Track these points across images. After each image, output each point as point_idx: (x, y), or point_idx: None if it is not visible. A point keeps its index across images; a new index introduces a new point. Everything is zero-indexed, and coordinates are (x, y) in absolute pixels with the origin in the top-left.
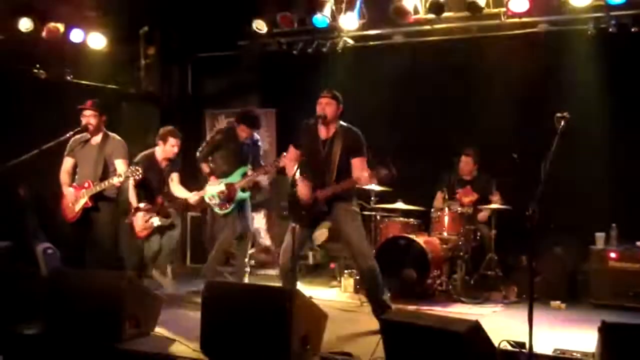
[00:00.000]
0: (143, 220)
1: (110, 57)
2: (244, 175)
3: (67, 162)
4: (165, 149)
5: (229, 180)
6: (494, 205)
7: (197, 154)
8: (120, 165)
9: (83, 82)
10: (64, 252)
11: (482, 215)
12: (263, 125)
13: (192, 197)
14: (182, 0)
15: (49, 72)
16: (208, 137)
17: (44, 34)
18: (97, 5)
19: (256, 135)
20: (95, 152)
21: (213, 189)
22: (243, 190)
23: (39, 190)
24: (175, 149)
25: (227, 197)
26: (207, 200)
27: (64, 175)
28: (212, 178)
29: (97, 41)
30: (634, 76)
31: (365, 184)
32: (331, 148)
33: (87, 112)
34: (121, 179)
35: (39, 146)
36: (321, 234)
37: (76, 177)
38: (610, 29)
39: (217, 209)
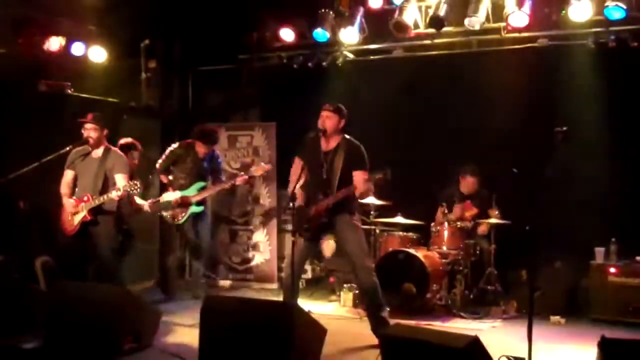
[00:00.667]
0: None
1: (111, 70)
2: (201, 189)
3: (68, 175)
4: None
5: (186, 193)
6: (493, 220)
7: (157, 165)
8: (120, 179)
9: (84, 95)
10: (64, 265)
11: (482, 229)
12: (264, 139)
13: (146, 205)
14: (184, 14)
15: (49, 85)
16: (168, 150)
17: (45, 47)
18: (98, 18)
19: (216, 152)
20: (96, 165)
21: (169, 196)
22: (198, 204)
23: (39, 203)
24: (136, 161)
25: (181, 208)
26: (162, 212)
27: (64, 188)
28: (170, 189)
29: (98, 54)
30: (634, 91)
31: (364, 193)
32: (333, 160)
33: (88, 126)
34: (119, 193)
35: (39, 159)
36: (329, 246)
37: (76, 189)
38: (610, 44)
39: (169, 218)
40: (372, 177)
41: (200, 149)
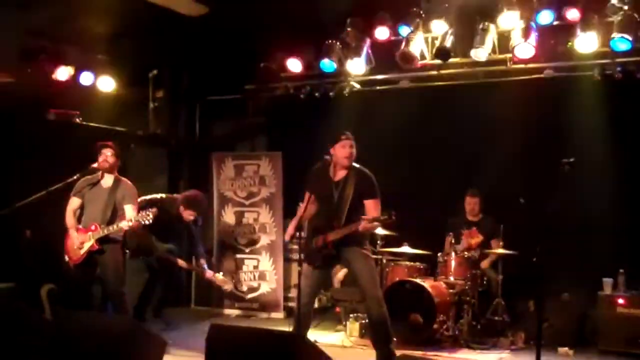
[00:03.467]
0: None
1: (119, 99)
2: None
3: (74, 202)
4: None
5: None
6: (499, 250)
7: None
8: (129, 210)
9: (92, 124)
10: (69, 293)
11: (485, 263)
12: (270, 168)
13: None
14: (191, 44)
15: (58, 115)
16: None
17: (53, 76)
18: (106, 48)
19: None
20: (106, 195)
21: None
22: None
23: (45, 232)
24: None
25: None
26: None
27: (70, 218)
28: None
29: (106, 84)
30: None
31: (373, 228)
32: (343, 190)
33: (108, 151)
34: (131, 224)
35: (46, 188)
36: (338, 276)
37: (83, 218)
38: (616, 76)
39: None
40: (378, 218)
41: (190, 216)
